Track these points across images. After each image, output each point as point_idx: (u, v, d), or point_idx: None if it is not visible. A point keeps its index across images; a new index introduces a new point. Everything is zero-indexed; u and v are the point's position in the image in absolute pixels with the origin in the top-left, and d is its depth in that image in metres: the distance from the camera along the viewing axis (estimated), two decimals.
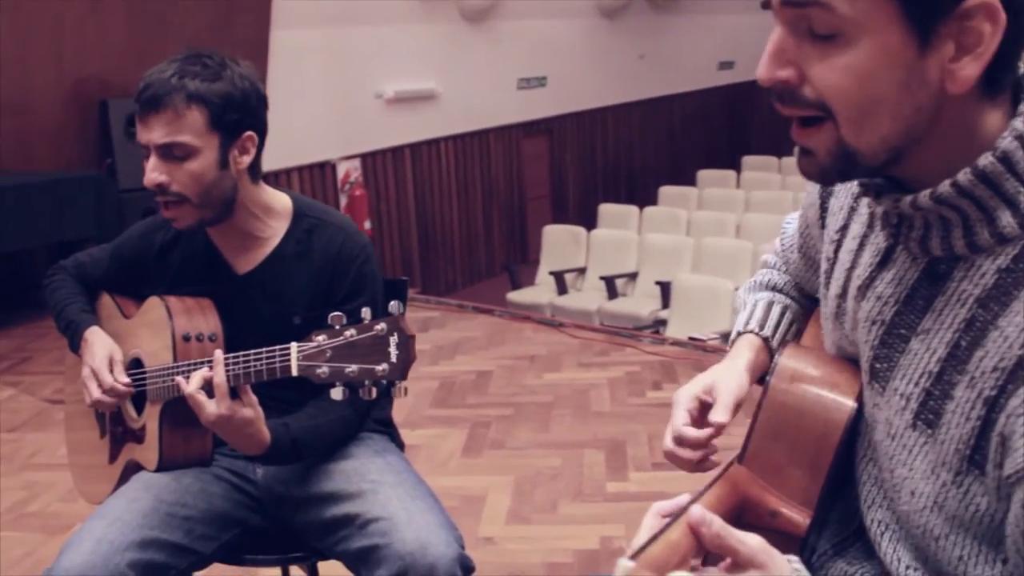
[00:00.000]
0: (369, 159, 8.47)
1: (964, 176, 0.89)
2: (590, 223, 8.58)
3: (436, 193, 9.36)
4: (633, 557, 0.82)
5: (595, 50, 11.11)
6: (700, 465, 1.27)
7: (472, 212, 9.86)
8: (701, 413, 1.27)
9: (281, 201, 1.93)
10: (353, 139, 8.24)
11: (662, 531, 0.90)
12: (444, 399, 4.52)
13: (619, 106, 11.85)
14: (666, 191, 9.90)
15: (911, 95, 0.87)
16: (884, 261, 1.04)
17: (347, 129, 8.14)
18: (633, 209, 8.85)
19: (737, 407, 1.25)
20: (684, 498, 0.99)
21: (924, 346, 0.97)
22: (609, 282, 7.41)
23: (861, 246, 1.10)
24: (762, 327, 1.38)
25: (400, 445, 2.08)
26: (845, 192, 1.18)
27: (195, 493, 1.83)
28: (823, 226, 1.23)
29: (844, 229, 1.16)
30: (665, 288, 6.89)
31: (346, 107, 8.09)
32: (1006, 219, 0.89)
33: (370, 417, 2.00)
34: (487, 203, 10.05)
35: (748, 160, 11.58)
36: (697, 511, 0.91)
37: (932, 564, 1.00)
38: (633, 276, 7.63)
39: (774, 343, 1.36)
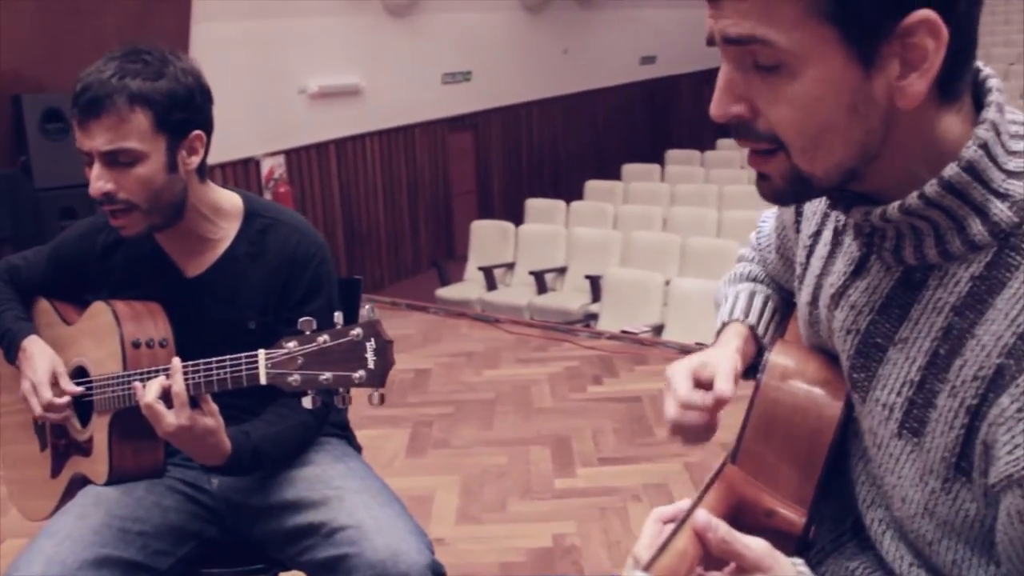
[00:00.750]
0: (293, 155, 8.33)
1: (931, 188, 0.88)
2: (516, 218, 8.56)
3: (361, 189, 9.24)
4: (646, 569, 0.79)
5: (519, 44, 11.10)
6: (706, 433, 1.24)
7: (398, 208, 9.77)
8: (698, 387, 1.24)
9: (231, 200, 1.85)
10: (277, 135, 8.09)
11: (669, 540, 0.89)
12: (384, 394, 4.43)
13: (543, 101, 11.86)
14: (592, 185, 9.93)
15: (861, 119, 0.86)
16: (858, 270, 1.03)
17: (271, 125, 7.98)
18: (560, 204, 8.85)
19: (736, 382, 1.22)
20: (684, 503, 0.98)
21: (903, 355, 0.96)
22: (539, 277, 7.40)
23: (832, 254, 1.09)
24: (747, 315, 1.37)
25: (357, 449, 2.03)
26: (818, 198, 1.16)
27: (148, 507, 1.75)
28: (798, 229, 1.22)
29: (816, 235, 1.15)
30: (595, 282, 6.91)
31: (269, 102, 7.94)
32: (976, 227, 0.89)
33: (327, 421, 1.93)
34: (413, 199, 9.97)
35: (672, 154, 11.68)
36: (702, 516, 0.90)
37: (930, 563, 0.99)
38: (562, 270, 7.62)
39: (760, 330, 1.35)
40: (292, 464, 1.81)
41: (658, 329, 5.87)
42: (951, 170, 0.87)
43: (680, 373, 1.24)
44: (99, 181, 1.64)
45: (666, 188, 9.63)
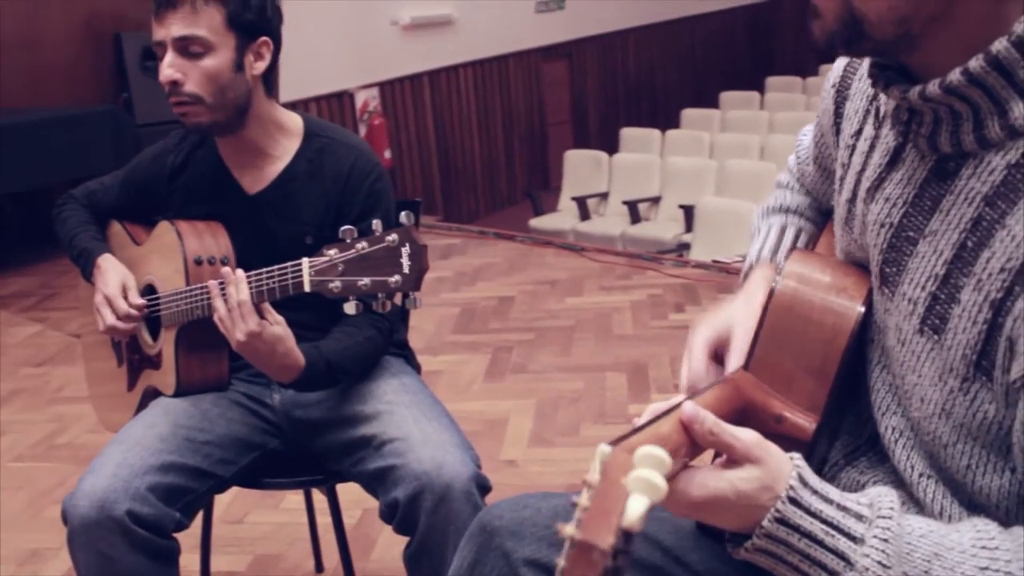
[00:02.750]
0: (387, 87, 8.38)
1: (976, 63, 0.85)
2: (612, 148, 8.48)
3: (456, 121, 9.27)
4: (613, 444, 0.79)
5: None
6: None
7: (492, 139, 9.77)
8: (716, 358, 1.20)
9: (293, 120, 1.91)
10: (370, 67, 8.15)
11: (649, 423, 0.88)
12: (466, 325, 4.51)
13: (640, 28, 11.64)
14: (688, 114, 9.75)
15: None
16: (893, 161, 1.00)
17: (363, 57, 8.04)
18: (655, 133, 8.72)
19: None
20: (681, 399, 0.96)
21: (931, 248, 0.94)
22: (632, 207, 7.35)
23: (871, 148, 1.06)
24: (775, 254, 1.34)
25: (416, 368, 2.07)
26: (860, 95, 1.14)
27: (213, 418, 1.83)
28: (838, 131, 1.20)
29: (858, 134, 1.12)
30: (688, 212, 6.82)
31: (362, 35, 7.99)
32: (1019, 110, 0.85)
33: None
34: (507, 130, 9.95)
35: (771, 81, 11.36)
36: (689, 407, 0.89)
37: (943, 472, 0.98)
38: (656, 200, 7.55)
39: None
40: (361, 379, 1.87)
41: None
42: (1000, 44, 0.84)
43: (699, 342, 1.19)
44: (169, 69, 1.74)
45: (765, 116, 9.39)
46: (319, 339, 1.79)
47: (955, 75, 0.86)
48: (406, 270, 1.45)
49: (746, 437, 0.88)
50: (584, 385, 3.69)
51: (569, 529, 0.66)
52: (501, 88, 9.78)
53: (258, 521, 2.83)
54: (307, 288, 1.52)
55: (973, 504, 0.96)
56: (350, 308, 1.50)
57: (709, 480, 0.86)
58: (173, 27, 1.72)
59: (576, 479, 2.93)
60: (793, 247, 1.34)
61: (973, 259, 0.89)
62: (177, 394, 1.85)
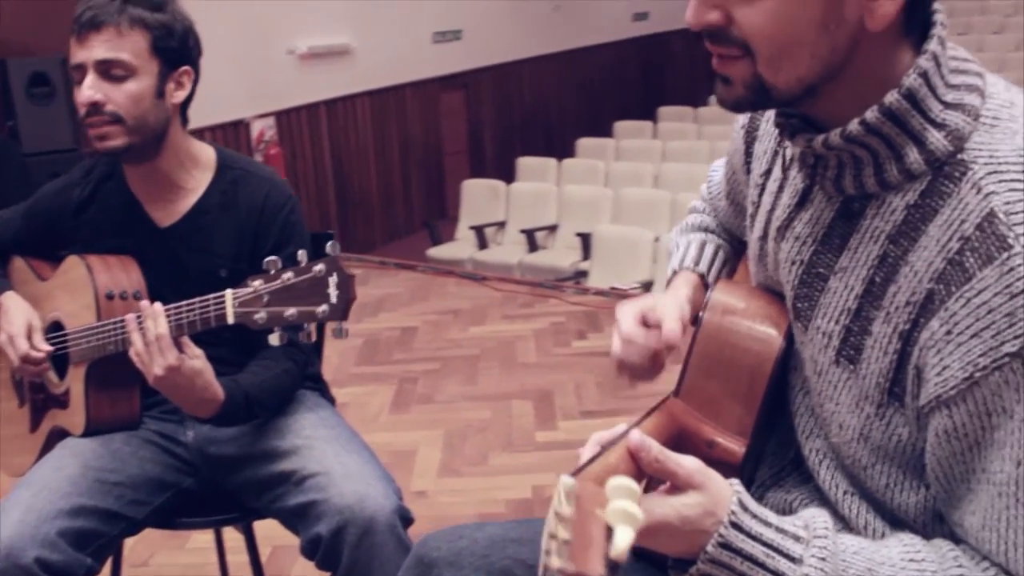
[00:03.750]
0: (283, 117, 8.29)
1: (871, 114, 0.91)
2: (509, 177, 8.54)
3: (353, 150, 9.21)
4: (573, 475, 0.82)
5: (510, 2, 11.00)
6: (652, 369, 1.27)
7: (390, 169, 9.74)
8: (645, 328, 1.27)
9: (206, 152, 1.90)
10: (266, 97, 8.05)
11: (599, 454, 0.91)
12: (370, 356, 4.48)
13: (535, 59, 11.77)
14: (584, 143, 9.90)
15: (829, 35, 0.89)
16: (802, 202, 1.06)
17: (260, 87, 7.95)
18: (551, 162, 8.83)
19: (684, 327, 1.26)
20: (622, 427, 1.00)
21: (842, 284, 1.00)
22: (529, 235, 7.40)
23: (780, 189, 1.12)
24: (697, 263, 1.40)
25: (331, 401, 2.06)
26: (768, 137, 1.20)
27: (124, 457, 1.79)
28: (748, 171, 1.25)
29: (767, 174, 1.18)
30: (585, 239, 6.91)
31: (258, 64, 7.89)
32: (913, 155, 0.92)
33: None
34: (404, 159, 9.93)
35: (664, 111, 11.62)
36: (636, 436, 0.93)
37: (865, 491, 1.04)
38: (553, 228, 7.62)
39: (710, 278, 1.39)
40: (278, 412, 1.85)
41: (647, 286, 5.89)
42: (891, 96, 0.90)
43: (627, 312, 1.27)
44: (89, 90, 1.70)
45: (658, 145, 9.59)
46: (236, 374, 1.77)
47: (854, 125, 0.93)
48: (333, 299, 1.45)
49: (688, 464, 0.92)
50: (491, 414, 3.70)
51: (557, 562, 0.68)
52: (398, 117, 9.77)
53: (165, 563, 2.76)
54: (230, 320, 1.51)
55: (895, 519, 1.02)
56: (274, 339, 1.49)
57: (654, 507, 0.89)
58: (96, 50, 1.69)
59: (487, 508, 2.95)
60: (713, 260, 1.40)
61: (881, 293, 0.95)
62: (86, 434, 1.80)
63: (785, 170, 1.12)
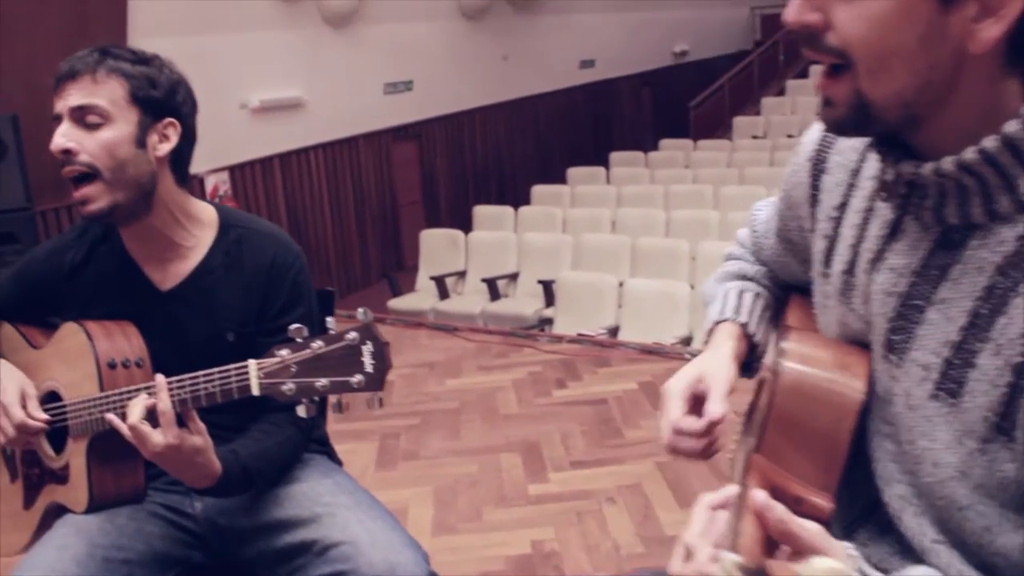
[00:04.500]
0: (237, 171, 8.22)
1: (991, 142, 0.89)
2: (464, 226, 8.54)
3: (308, 203, 9.15)
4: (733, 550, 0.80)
5: (459, 52, 11.09)
6: (705, 453, 1.24)
7: (345, 221, 9.69)
8: (694, 404, 1.24)
9: (206, 211, 1.82)
10: (220, 151, 7.97)
11: (735, 525, 0.89)
12: (349, 412, 4.36)
13: (486, 108, 11.87)
14: (539, 190, 9.95)
15: (929, 50, 0.88)
16: (893, 232, 1.04)
17: (213, 141, 7.82)
18: (508, 210, 8.85)
19: (732, 391, 1.23)
20: (731, 489, 0.99)
21: (942, 315, 0.97)
22: (491, 284, 7.38)
23: (866, 220, 1.09)
24: (737, 313, 1.36)
25: (338, 463, 1.98)
26: (840, 169, 1.17)
27: (131, 534, 1.69)
28: (814, 203, 1.21)
29: (843, 206, 1.15)
30: (547, 287, 6.91)
31: (211, 118, 7.70)
32: None
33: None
34: (360, 211, 9.89)
35: (616, 156, 11.75)
36: (761, 496, 0.90)
37: (958, 536, 0.99)
38: (514, 276, 7.62)
39: (751, 327, 1.35)
40: (278, 482, 1.77)
41: (614, 331, 5.88)
42: (1012, 126, 0.89)
43: (675, 393, 1.24)
44: (62, 138, 1.61)
45: (612, 190, 9.69)
46: (237, 439, 1.69)
47: (971, 153, 0.90)
48: (369, 369, 1.38)
49: (812, 528, 0.88)
50: (479, 468, 3.62)
51: None
52: (352, 169, 9.75)
53: None
54: (255, 392, 1.43)
55: (988, 566, 0.98)
56: (302, 411, 1.42)
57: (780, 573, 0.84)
58: (71, 97, 1.61)
59: (488, 565, 2.87)
60: (753, 308, 1.37)
61: (988, 325, 0.92)
62: (90, 510, 1.69)
63: (870, 200, 1.09)
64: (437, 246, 8.09)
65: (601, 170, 10.98)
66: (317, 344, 1.39)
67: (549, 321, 6.63)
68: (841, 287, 1.15)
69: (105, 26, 6.69)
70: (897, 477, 1.07)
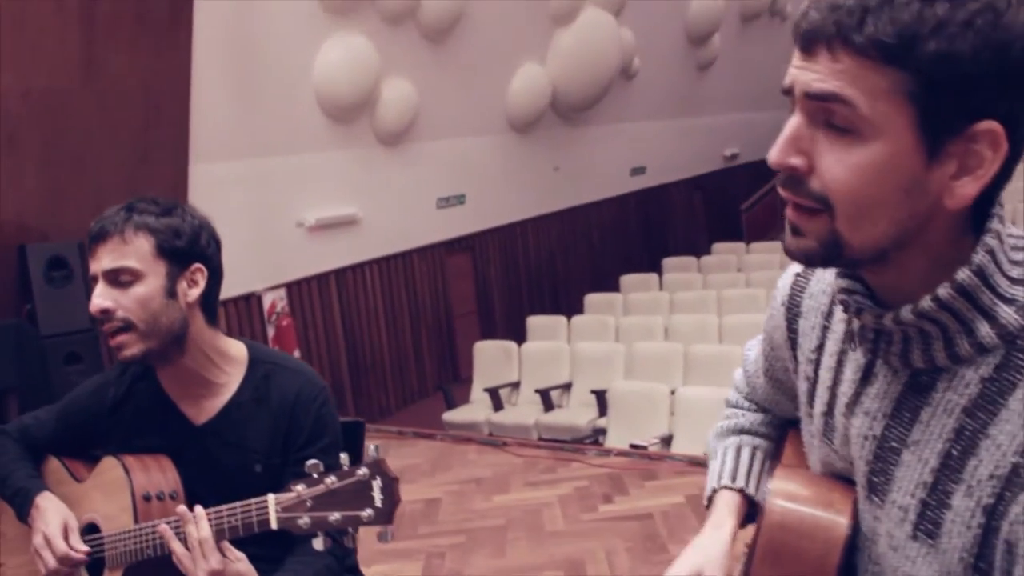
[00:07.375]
0: (294, 288, 8.41)
1: (944, 290, 0.92)
2: (519, 336, 8.59)
3: (363, 317, 9.30)
4: None
5: (510, 165, 11.29)
6: None
7: (401, 333, 9.80)
8: None
9: (237, 348, 1.90)
10: (277, 269, 8.19)
11: None
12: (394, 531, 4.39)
13: (538, 218, 12.01)
14: (592, 299, 10.00)
15: (910, 202, 0.90)
16: (866, 376, 1.06)
17: (271, 259, 8.09)
18: (561, 319, 8.90)
19: None
20: None
21: (916, 457, 0.98)
22: (544, 395, 7.38)
23: (840, 363, 1.11)
24: (734, 478, 1.39)
25: None
26: (814, 313, 1.19)
27: None
28: (794, 347, 1.24)
29: (820, 348, 1.17)
30: (600, 396, 6.89)
31: (268, 237, 8.06)
32: (984, 330, 0.92)
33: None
34: (415, 323, 10.01)
35: (668, 262, 11.79)
36: None
37: None
38: (567, 387, 7.61)
39: (750, 490, 1.37)
40: None
41: (667, 440, 5.84)
42: (963, 273, 0.91)
43: None
44: (99, 299, 1.72)
45: (665, 296, 9.69)
46: (275, 570, 1.73)
47: (926, 302, 0.93)
48: (378, 503, 1.43)
49: None
50: None
51: None
52: (407, 282, 9.90)
53: None
54: (274, 525, 1.49)
55: None
56: (318, 544, 1.47)
57: None
58: (104, 260, 1.72)
59: None
60: (751, 466, 1.39)
61: (960, 467, 0.94)
62: None
63: (842, 343, 1.12)
64: (491, 357, 8.13)
65: (654, 276, 11.01)
66: (331, 480, 1.45)
67: (603, 431, 6.61)
68: (823, 428, 1.17)
69: (169, 153, 6.97)
70: None
